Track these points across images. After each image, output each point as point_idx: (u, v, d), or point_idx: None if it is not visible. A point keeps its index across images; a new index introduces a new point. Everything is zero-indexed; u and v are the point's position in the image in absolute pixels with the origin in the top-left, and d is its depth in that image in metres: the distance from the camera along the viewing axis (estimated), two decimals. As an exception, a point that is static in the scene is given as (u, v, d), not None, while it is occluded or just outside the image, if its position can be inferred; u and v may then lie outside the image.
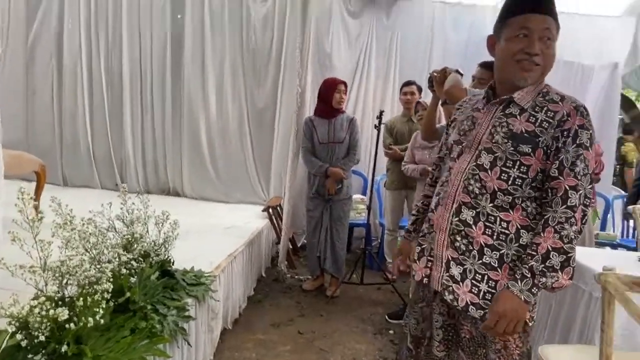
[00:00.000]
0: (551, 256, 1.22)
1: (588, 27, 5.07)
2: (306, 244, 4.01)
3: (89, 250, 1.81)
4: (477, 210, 1.37)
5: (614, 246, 4.33)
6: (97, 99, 4.82)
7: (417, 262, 1.52)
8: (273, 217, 4.11)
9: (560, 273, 1.21)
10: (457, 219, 1.39)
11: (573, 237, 1.23)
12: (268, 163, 4.77)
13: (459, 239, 1.39)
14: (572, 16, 5.04)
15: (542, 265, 1.22)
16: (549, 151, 1.31)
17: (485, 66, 2.39)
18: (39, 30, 4.79)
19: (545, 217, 1.26)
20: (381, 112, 3.54)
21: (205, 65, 4.69)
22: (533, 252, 1.24)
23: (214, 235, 3.36)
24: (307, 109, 4.00)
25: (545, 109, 1.35)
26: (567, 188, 1.25)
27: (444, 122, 2.85)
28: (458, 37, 4.77)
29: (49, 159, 4.18)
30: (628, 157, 6.54)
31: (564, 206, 1.24)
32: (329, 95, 3.48)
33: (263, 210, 4.17)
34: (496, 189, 1.34)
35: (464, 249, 1.38)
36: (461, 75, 2.32)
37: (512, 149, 1.32)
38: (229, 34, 4.66)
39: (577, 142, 1.29)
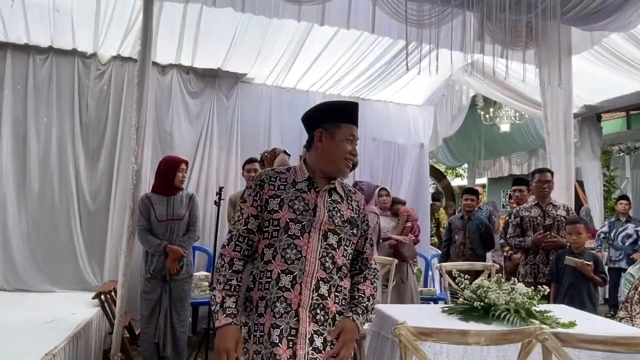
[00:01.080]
0: (371, 299, 1.66)
1: (400, 113, 6.06)
2: (141, 330, 3.71)
3: None
4: (330, 283, 1.56)
5: (435, 300, 4.93)
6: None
7: (279, 345, 1.48)
8: (106, 304, 3.74)
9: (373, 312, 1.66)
10: (316, 294, 1.53)
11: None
12: (102, 245, 4.41)
13: (319, 312, 1.53)
14: (387, 104, 5.98)
15: (370, 304, 1.64)
16: (360, 231, 1.70)
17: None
18: None
19: (364, 273, 1.70)
20: (220, 188, 3.63)
21: (27, 142, 4.28)
22: (362, 295, 1.64)
23: (30, 333, 2.92)
24: (147, 186, 3.89)
25: (352, 198, 1.71)
26: (371, 257, 1.74)
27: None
28: (293, 119, 5.24)
29: None
30: (441, 220, 7.67)
31: (373, 268, 1.73)
32: (171, 175, 3.46)
33: (94, 298, 3.77)
34: (341, 263, 1.60)
35: (323, 320, 1.53)
36: (288, 155, 2.56)
37: (350, 231, 1.63)
38: (56, 108, 4.38)
39: (368, 223, 1.76)
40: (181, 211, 3.47)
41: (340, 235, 1.60)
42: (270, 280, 1.54)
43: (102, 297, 3.73)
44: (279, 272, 1.54)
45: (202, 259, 4.57)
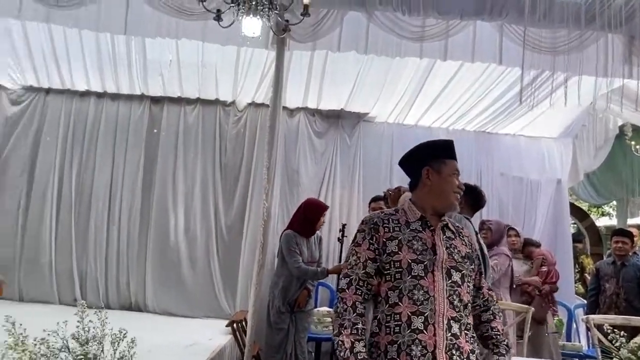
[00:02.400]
0: (505, 337, 1.71)
1: (532, 146, 5.63)
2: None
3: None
4: (461, 321, 1.56)
5: (581, 357, 4.32)
6: (64, 215, 4.84)
7: None
8: (237, 333, 3.98)
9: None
10: (450, 334, 1.52)
11: None
12: (235, 277, 4.75)
13: (454, 352, 1.51)
14: (517, 138, 5.61)
15: (507, 342, 1.70)
16: (476, 266, 1.72)
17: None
18: (15, 143, 4.93)
19: (491, 309, 1.74)
20: (344, 225, 3.70)
21: (175, 180, 4.88)
22: (498, 333, 1.69)
23: (173, 354, 3.22)
24: (275, 223, 4.13)
25: (462, 233, 1.74)
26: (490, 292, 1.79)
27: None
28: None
29: (7, 273, 4.06)
30: (585, 265, 6.79)
31: (495, 303, 1.77)
32: (315, 219, 3.63)
33: (227, 326, 4.04)
34: (466, 300, 1.61)
35: None
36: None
37: (470, 267, 1.65)
38: (201, 150, 4.94)
39: (479, 257, 1.76)
40: (316, 254, 3.64)
41: (463, 272, 1.62)
42: (400, 323, 1.51)
43: (234, 325, 3.98)
44: (409, 314, 1.50)
45: (324, 294, 4.65)
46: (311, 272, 3.49)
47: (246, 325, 4.01)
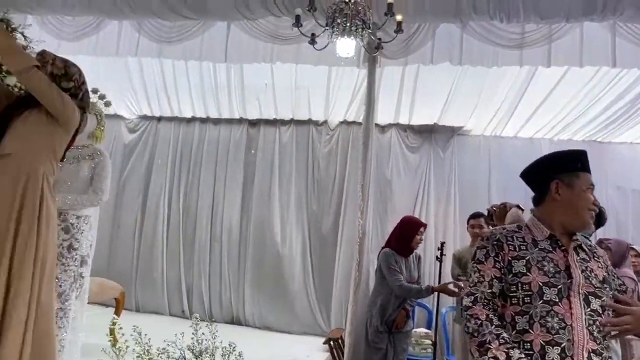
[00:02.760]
0: None
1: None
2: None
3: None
4: (602, 355, 1.39)
5: None
6: (173, 232, 5.24)
7: None
8: (334, 351, 3.98)
9: None
10: None
11: None
12: (329, 294, 4.78)
13: None
14: (635, 146, 5.07)
15: None
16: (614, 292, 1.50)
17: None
18: (132, 166, 5.47)
19: None
20: (442, 244, 3.56)
21: (272, 198, 5.07)
22: None
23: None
24: (369, 240, 4.10)
25: (596, 253, 1.54)
26: None
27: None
28: (515, 169, 4.86)
29: (124, 285, 4.45)
30: None
31: None
32: (410, 236, 3.50)
33: (324, 343, 4.07)
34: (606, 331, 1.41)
35: None
36: (522, 210, 2.36)
37: (609, 293, 1.46)
38: (295, 168, 5.09)
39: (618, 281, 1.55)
40: (415, 273, 3.51)
41: (602, 299, 1.44)
42: (531, 352, 1.36)
43: (331, 343, 4.00)
44: (542, 343, 1.36)
45: (421, 316, 4.50)
46: (415, 290, 3.37)
47: (343, 343, 4.01)
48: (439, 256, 3.53)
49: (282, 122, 5.23)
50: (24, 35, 4.32)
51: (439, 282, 3.66)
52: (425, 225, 3.59)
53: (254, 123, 5.30)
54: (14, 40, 2.09)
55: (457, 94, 4.56)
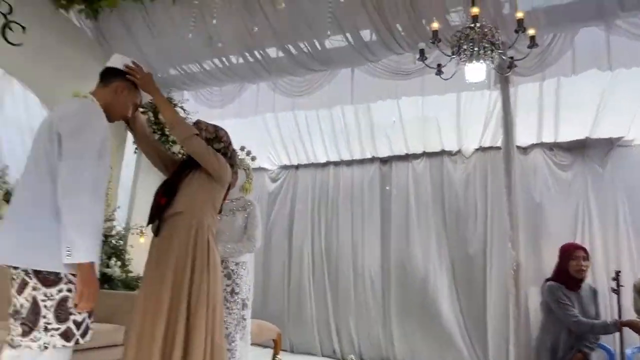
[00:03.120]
0: None
1: None
2: None
3: None
4: None
5: None
6: (318, 272, 5.42)
7: None
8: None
9: None
10: None
11: None
12: (482, 326, 4.46)
13: None
14: None
15: None
16: None
17: None
18: (277, 212, 5.87)
19: None
20: (617, 273, 3.09)
21: (410, 232, 4.99)
22: None
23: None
24: (523, 272, 3.75)
25: None
26: None
27: None
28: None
29: (279, 326, 4.69)
30: None
31: None
32: (566, 263, 3.22)
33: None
34: None
35: None
36: None
37: None
38: (432, 201, 4.96)
39: None
40: (591, 309, 3.12)
41: None
42: None
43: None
44: None
45: (600, 358, 3.88)
46: (598, 326, 2.95)
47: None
48: (615, 287, 3.06)
49: (414, 156, 5.18)
50: (183, 109, 5.06)
51: (619, 316, 3.15)
52: (582, 249, 3.21)
53: (385, 160, 5.35)
54: (178, 114, 2.46)
55: (611, 101, 4.06)
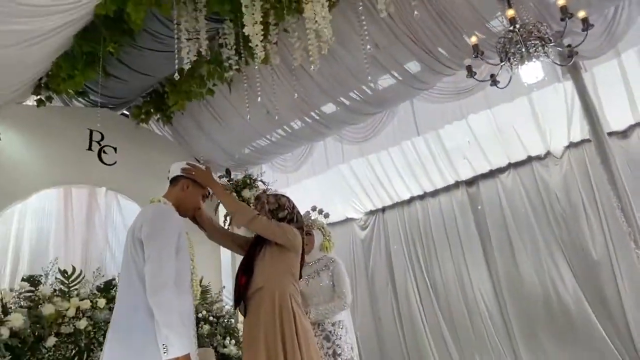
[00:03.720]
0: None
1: None
2: None
3: None
4: None
5: None
6: (429, 311, 5.17)
7: None
8: None
9: None
10: None
11: None
12: (624, 331, 3.87)
13: None
14: None
15: None
16: None
17: None
18: (374, 259, 5.76)
19: None
20: None
21: (514, 249, 4.64)
22: None
23: None
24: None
25: None
26: None
27: None
28: None
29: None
30: None
31: None
32: None
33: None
34: None
35: None
36: None
37: None
38: (532, 211, 4.56)
39: None
40: None
41: None
42: None
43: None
44: None
45: None
46: None
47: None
48: None
49: (500, 170, 4.87)
50: (263, 182, 5.34)
51: None
52: None
53: (470, 182, 5.09)
54: (236, 201, 2.59)
55: None
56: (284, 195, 2.58)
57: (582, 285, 4.24)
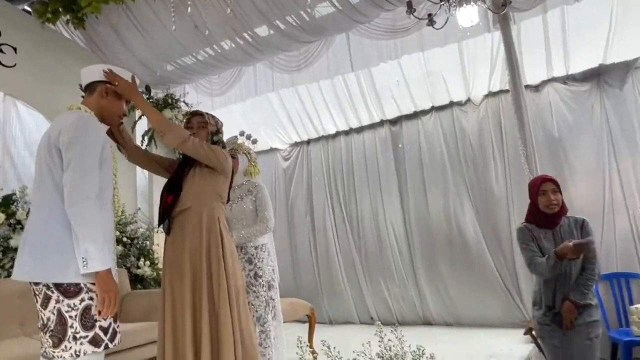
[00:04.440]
0: None
1: None
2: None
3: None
4: None
5: None
6: (344, 243, 5.45)
7: None
8: (539, 340, 3.61)
9: None
10: None
11: None
12: (514, 277, 4.40)
13: None
14: None
15: None
16: None
17: None
18: (295, 190, 5.88)
19: None
20: (645, 200, 2.96)
21: (427, 188, 4.94)
22: None
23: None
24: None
25: None
26: None
27: None
28: None
29: (314, 301, 4.76)
30: None
31: None
32: (533, 198, 2.65)
33: (525, 334, 3.72)
34: None
35: None
36: None
37: None
38: (447, 154, 4.86)
39: None
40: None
41: None
42: None
43: (533, 333, 3.64)
44: None
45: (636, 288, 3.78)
46: (540, 266, 2.47)
47: (546, 332, 3.62)
48: (643, 216, 2.94)
49: (423, 112, 5.06)
50: (185, 103, 5.06)
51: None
52: (550, 180, 2.62)
53: (394, 121, 5.25)
54: (166, 119, 2.43)
55: (622, 22, 3.83)
56: (218, 118, 2.49)
57: (481, 223, 4.66)
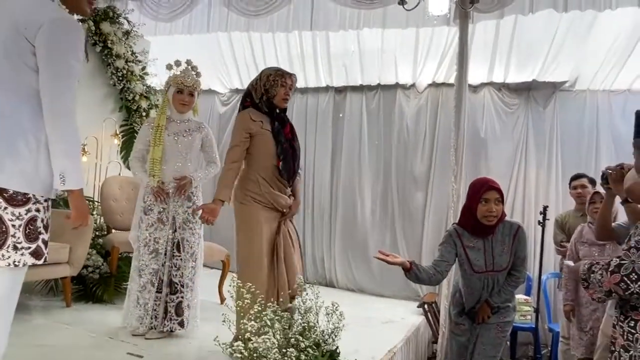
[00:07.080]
0: None
1: None
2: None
3: (275, 334, 2.03)
4: None
5: None
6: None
7: None
8: (429, 314, 4.01)
9: None
10: None
11: None
12: (419, 258, 4.78)
13: None
14: None
15: None
16: None
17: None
18: (228, 138, 5.72)
19: None
20: (545, 208, 3.38)
21: (361, 162, 5.12)
22: None
23: (372, 329, 3.41)
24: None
25: None
26: None
27: (620, 220, 2.60)
28: (628, 127, 4.41)
29: (229, 247, 4.78)
30: None
31: None
32: (473, 204, 2.41)
33: (418, 307, 4.11)
34: None
35: None
36: (642, 172, 2.15)
37: None
38: (383, 133, 5.06)
39: None
40: (504, 258, 2.43)
41: None
42: None
43: (426, 306, 4.03)
44: None
45: (520, 282, 4.33)
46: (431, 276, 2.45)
47: (437, 307, 4.03)
48: (541, 221, 3.36)
49: (369, 88, 5.18)
50: (127, 20, 4.68)
51: (541, 249, 3.50)
52: (496, 189, 2.40)
53: (340, 90, 5.31)
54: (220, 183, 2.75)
55: (560, 45, 4.21)
56: None
57: (400, 213, 4.95)
